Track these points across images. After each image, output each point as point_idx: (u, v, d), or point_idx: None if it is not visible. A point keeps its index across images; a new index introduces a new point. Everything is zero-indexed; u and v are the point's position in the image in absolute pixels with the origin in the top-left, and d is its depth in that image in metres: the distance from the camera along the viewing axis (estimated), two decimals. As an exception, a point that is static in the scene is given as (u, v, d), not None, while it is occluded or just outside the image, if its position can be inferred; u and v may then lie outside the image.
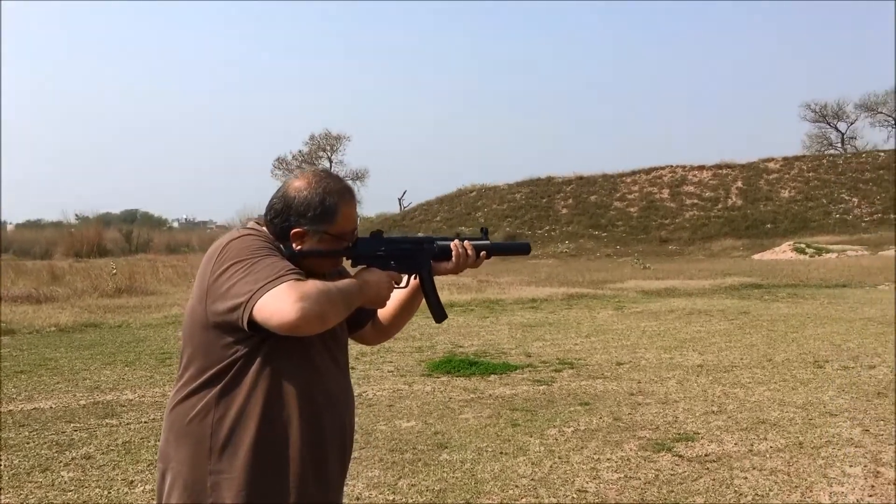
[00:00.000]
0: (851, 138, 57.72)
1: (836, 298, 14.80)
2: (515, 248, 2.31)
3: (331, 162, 62.58)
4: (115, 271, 18.70)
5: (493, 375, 7.59)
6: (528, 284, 18.77)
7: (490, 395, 6.76)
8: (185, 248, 40.98)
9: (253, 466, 1.80)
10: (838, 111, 57.81)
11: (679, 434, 5.38)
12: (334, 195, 1.91)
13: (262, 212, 1.97)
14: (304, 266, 1.87)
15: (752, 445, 5.09)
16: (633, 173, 48.70)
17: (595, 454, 4.96)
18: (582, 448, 5.10)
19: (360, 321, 2.13)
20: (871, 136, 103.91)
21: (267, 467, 1.81)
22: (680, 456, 4.89)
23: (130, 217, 72.82)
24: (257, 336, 1.77)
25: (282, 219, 1.90)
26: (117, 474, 4.68)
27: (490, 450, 5.08)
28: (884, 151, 48.18)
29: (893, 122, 56.07)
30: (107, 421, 5.98)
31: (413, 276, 2.13)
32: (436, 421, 5.86)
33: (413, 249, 2.09)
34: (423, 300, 2.17)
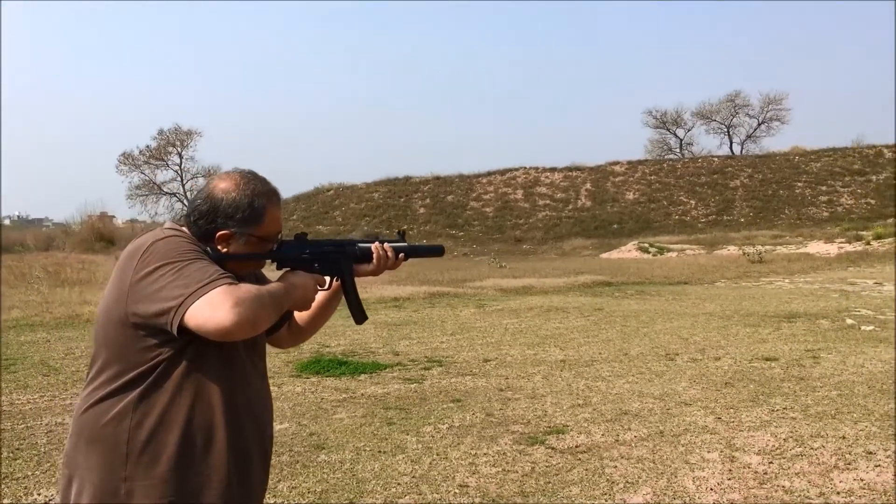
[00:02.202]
0: (689, 144, 61.57)
1: (679, 295, 15.76)
2: (431, 251, 2.35)
3: (181, 158, 60.17)
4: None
5: (363, 375, 7.57)
6: (390, 283, 18.79)
7: (362, 394, 6.74)
8: (20, 247, 38.08)
9: (176, 472, 1.73)
10: (677, 118, 61.50)
11: (550, 427, 5.57)
12: (262, 197, 1.88)
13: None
14: (228, 268, 1.83)
15: (618, 436, 5.34)
16: (489, 174, 49.88)
17: (472, 449, 5.05)
18: (459, 444, 5.18)
19: (278, 324, 2.08)
20: (706, 142, 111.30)
21: (191, 473, 1.75)
22: (553, 448, 5.07)
23: (-46, 213, 67.11)
24: (181, 340, 1.70)
25: (207, 220, 1.84)
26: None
27: (368, 449, 5.07)
28: (717, 157, 51.75)
29: (726, 130, 60.32)
30: (-53, 434, 5.50)
31: (335, 279, 2.12)
32: (310, 422, 5.78)
33: (336, 252, 2.10)
34: (340, 303, 2.18)
